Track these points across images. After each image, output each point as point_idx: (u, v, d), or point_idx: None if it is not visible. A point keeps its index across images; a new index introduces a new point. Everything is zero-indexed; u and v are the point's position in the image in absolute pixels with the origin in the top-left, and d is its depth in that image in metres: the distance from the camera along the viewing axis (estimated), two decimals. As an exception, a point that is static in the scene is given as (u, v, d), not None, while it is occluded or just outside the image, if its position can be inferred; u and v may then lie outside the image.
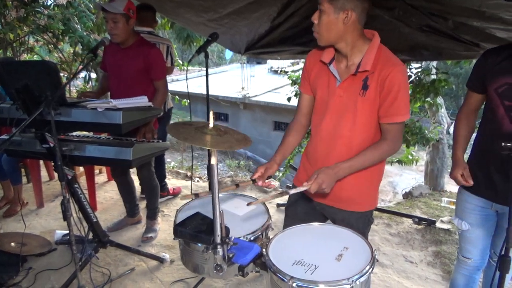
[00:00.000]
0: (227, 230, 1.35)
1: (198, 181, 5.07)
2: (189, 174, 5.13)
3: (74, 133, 2.67)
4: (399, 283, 2.74)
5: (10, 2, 4.86)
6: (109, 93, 3.09)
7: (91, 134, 2.86)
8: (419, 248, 3.26)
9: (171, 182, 4.59)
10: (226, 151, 12.43)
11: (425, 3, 2.44)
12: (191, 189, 3.39)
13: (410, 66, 4.93)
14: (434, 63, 5.71)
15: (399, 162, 5.91)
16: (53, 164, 2.05)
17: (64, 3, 4.87)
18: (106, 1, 2.71)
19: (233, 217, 1.68)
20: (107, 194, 4.18)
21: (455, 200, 1.98)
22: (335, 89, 1.61)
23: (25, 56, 6.33)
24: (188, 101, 3.65)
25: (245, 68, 14.99)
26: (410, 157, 5.85)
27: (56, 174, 2.05)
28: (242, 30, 3.35)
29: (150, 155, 2.56)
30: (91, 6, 4.89)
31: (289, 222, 1.85)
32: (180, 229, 1.44)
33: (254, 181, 1.64)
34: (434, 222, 3.58)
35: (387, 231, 3.53)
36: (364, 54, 1.53)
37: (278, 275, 1.26)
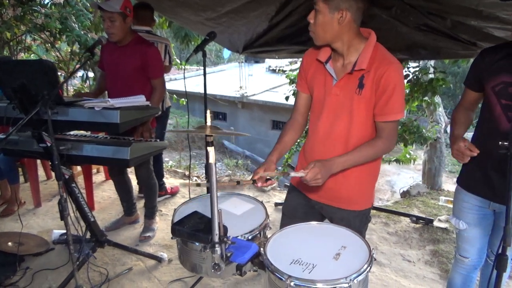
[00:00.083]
0: (225, 229, 1.35)
1: (196, 180, 5.07)
2: (187, 173, 5.12)
3: (72, 132, 2.66)
4: (396, 282, 2.75)
5: (7, 1, 4.84)
6: (106, 92, 3.09)
7: (88, 133, 2.85)
8: (416, 247, 3.27)
9: (169, 181, 4.58)
10: (224, 150, 12.44)
11: (423, 2, 2.44)
12: (189, 188, 3.39)
13: (408, 65, 4.93)
14: (432, 62, 5.72)
15: (397, 161, 5.91)
16: (50, 163, 2.04)
17: (61, 2, 4.86)
18: (103, 0, 2.70)
19: (231, 216, 1.68)
20: (105, 193, 4.17)
21: (452, 199, 1.98)
22: (332, 88, 1.61)
23: (22, 55, 6.30)
24: (186, 100, 3.64)
25: (243, 67, 14.98)
26: (408, 156, 5.86)
27: (53, 174, 2.05)
28: (240, 29, 3.34)
29: (148, 155, 2.55)
30: (88, 5, 4.88)
31: (286, 221, 1.85)
32: (178, 228, 1.44)
33: (254, 181, 1.64)
34: (431, 221, 3.58)
35: (385, 230, 3.53)
36: (360, 53, 1.53)
37: (276, 274, 1.26)
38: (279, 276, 1.24)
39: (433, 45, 3.06)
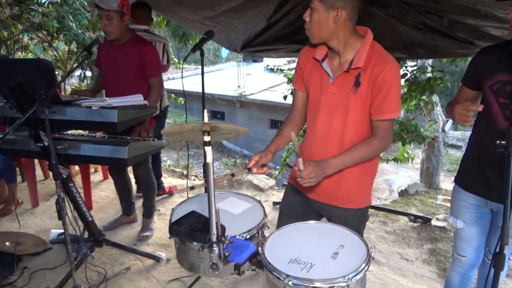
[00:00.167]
0: (223, 228, 1.35)
1: (194, 179, 5.07)
2: (185, 172, 5.12)
3: (69, 132, 2.66)
4: (394, 280, 2.75)
5: (4, 0, 4.82)
6: (104, 91, 3.08)
7: (86, 132, 2.84)
8: (414, 245, 3.27)
9: (167, 180, 4.58)
10: (223, 149, 12.43)
11: (421, 1, 2.45)
12: (187, 187, 3.38)
13: (406, 64, 4.94)
14: (430, 61, 5.73)
15: (395, 160, 5.92)
16: (48, 163, 2.04)
17: (59, 1, 4.84)
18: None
19: (229, 215, 1.68)
20: (103, 193, 4.16)
21: (450, 198, 1.99)
22: (328, 86, 1.61)
23: (19, 54, 6.28)
24: (184, 99, 3.64)
25: (241, 66, 15.00)
26: (406, 155, 5.86)
27: (51, 173, 2.04)
28: (238, 28, 3.34)
29: (146, 154, 2.55)
30: (86, 4, 4.86)
31: (284, 220, 1.85)
32: (175, 227, 1.43)
33: (249, 169, 1.63)
34: (429, 220, 3.59)
35: (383, 229, 3.54)
36: (357, 51, 1.53)
37: (274, 273, 1.26)
38: (277, 275, 1.24)
39: (430, 44, 3.06)
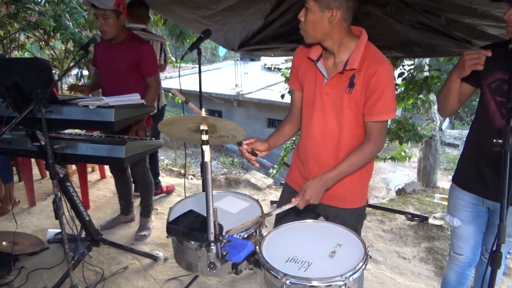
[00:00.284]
0: (221, 227, 1.35)
1: (191, 178, 5.06)
2: (182, 171, 5.12)
3: (66, 131, 2.65)
4: (392, 279, 2.76)
5: (0, -1, 4.80)
6: (100, 90, 3.07)
7: (83, 132, 2.84)
8: (412, 244, 3.28)
9: (165, 180, 4.57)
10: (220, 148, 12.42)
11: (418, 0, 2.45)
12: (184, 186, 3.38)
13: (403, 63, 4.95)
14: (427, 60, 5.74)
15: (392, 158, 5.93)
16: (44, 162, 2.03)
17: (55, 0, 4.83)
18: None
19: (227, 214, 1.67)
20: (100, 192, 4.15)
21: (447, 197, 1.99)
22: (323, 87, 1.61)
23: (16, 53, 6.26)
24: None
25: (239, 65, 14.99)
26: (403, 154, 5.88)
27: (48, 173, 2.03)
28: (236, 27, 3.34)
29: (143, 153, 2.55)
30: (82, 2, 4.85)
31: (282, 219, 1.85)
32: (173, 227, 1.43)
33: (240, 143, 1.61)
34: (426, 218, 3.60)
35: (380, 228, 3.55)
36: (352, 51, 1.53)
37: (272, 272, 1.26)
38: (275, 274, 1.24)
39: (427, 43, 3.07)
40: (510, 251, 1.97)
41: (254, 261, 1.39)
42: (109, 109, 2.11)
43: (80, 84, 5.91)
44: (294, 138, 5.76)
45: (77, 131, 2.79)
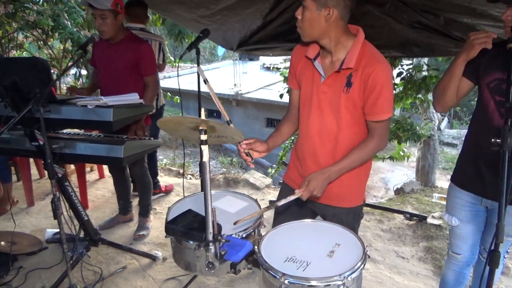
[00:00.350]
0: (219, 227, 1.35)
1: (190, 178, 5.06)
2: (181, 171, 5.11)
3: (64, 131, 2.64)
4: (390, 278, 2.77)
5: (-2, -2, 4.79)
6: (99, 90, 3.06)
7: (81, 131, 2.83)
8: (410, 243, 3.29)
9: (163, 179, 4.57)
10: (219, 148, 12.42)
11: (416, 0, 2.45)
12: (183, 186, 3.37)
13: (402, 63, 4.95)
14: (426, 59, 5.75)
15: (391, 158, 5.95)
16: (43, 162, 2.03)
17: (54, -1, 4.82)
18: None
19: (225, 214, 1.67)
20: (99, 192, 4.15)
21: (445, 196, 2.00)
22: (320, 85, 1.62)
23: (14, 53, 6.24)
24: (180, 98, 3.63)
25: (238, 64, 14.98)
26: (402, 153, 5.90)
27: (46, 172, 2.03)
28: (235, 27, 3.34)
29: (142, 153, 2.54)
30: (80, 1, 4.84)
31: (280, 219, 1.85)
32: (171, 226, 1.43)
33: (239, 142, 1.63)
34: (425, 218, 3.61)
35: (379, 227, 3.55)
36: (349, 50, 1.53)
37: (270, 272, 1.26)
38: (273, 274, 1.24)
39: (426, 43, 3.07)
40: (508, 250, 1.97)
41: (252, 260, 1.39)
42: (108, 108, 2.10)
43: (78, 84, 5.93)
44: (292, 138, 5.76)
45: (76, 130, 2.79)
